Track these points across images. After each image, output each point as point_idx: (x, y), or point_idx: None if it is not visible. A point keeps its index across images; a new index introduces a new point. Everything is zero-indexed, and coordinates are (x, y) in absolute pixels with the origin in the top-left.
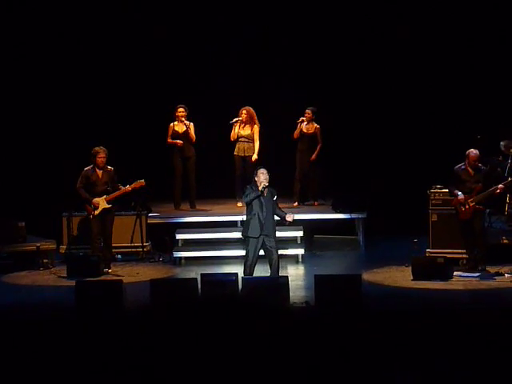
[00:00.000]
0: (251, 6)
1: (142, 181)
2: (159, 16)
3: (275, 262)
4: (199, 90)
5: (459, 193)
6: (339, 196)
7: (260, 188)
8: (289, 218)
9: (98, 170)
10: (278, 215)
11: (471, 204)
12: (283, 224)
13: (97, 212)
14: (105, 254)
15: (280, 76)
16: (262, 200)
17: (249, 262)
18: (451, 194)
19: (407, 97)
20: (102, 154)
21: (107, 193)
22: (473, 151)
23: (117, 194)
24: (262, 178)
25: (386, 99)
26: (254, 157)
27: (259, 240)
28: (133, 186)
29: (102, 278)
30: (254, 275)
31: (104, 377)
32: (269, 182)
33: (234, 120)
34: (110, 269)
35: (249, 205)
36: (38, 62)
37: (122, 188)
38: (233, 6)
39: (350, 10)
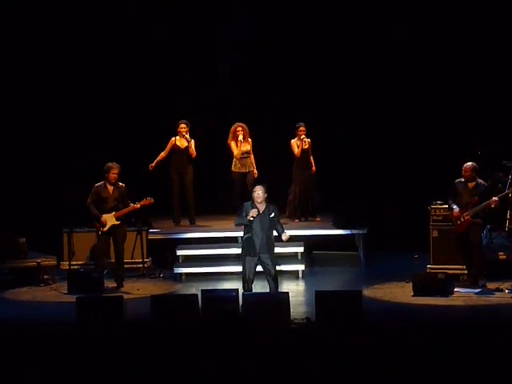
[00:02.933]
0: (251, 6)
1: (151, 199)
2: (159, 16)
3: (273, 277)
4: (199, 90)
5: (454, 206)
6: (340, 212)
7: (249, 218)
8: (284, 237)
9: (109, 186)
10: (276, 231)
11: (466, 217)
12: (281, 240)
13: (105, 229)
14: (117, 271)
15: (279, 78)
16: (260, 219)
17: (246, 278)
18: (448, 206)
19: (407, 101)
20: (115, 169)
21: (117, 209)
22: (466, 164)
23: (126, 210)
24: (255, 196)
25: (386, 106)
26: (256, 172)
27: (255, 257)
28: (142, 203)
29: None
30: (254, 291)
31: None
32: (268, 199)
33: (240, 138)
34: (123, 286)
35: (238, 226)
36: (38, 69)
37: (132, 205)
38: (233, 7)
39: (350, 10)
